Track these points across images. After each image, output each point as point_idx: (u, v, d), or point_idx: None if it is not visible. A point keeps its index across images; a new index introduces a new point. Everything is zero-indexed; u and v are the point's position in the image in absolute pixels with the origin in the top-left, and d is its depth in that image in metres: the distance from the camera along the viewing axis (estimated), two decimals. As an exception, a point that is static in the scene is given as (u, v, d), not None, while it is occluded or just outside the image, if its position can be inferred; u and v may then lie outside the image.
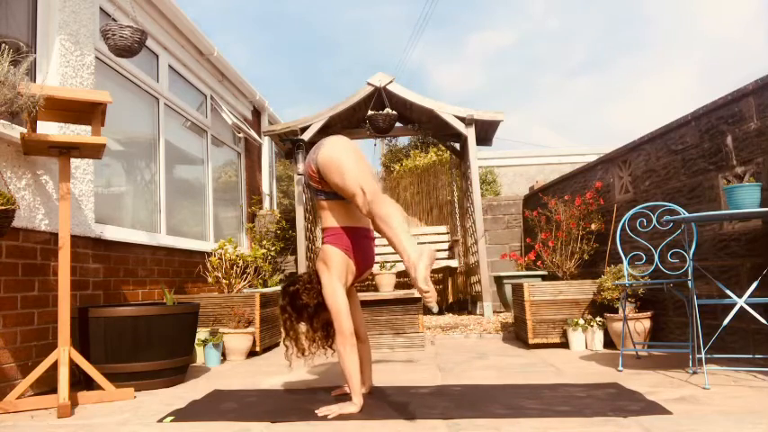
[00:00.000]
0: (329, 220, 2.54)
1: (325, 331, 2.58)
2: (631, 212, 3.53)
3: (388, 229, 2.17)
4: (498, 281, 5.90)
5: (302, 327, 2.61)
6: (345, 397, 2.51)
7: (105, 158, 3.76)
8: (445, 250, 6.95)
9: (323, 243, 2.56)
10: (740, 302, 2.76)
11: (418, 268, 2.01)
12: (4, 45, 2.55)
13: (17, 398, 2.62)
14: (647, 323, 3.81)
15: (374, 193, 2.27)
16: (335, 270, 2.46)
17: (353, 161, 2.40)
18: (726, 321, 2.82)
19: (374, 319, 4.38)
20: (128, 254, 4.09)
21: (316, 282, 2.54)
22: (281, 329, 2.64)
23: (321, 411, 2.34)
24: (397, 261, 6.50)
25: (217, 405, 2.60)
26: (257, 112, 8.01)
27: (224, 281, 4.75)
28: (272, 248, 6.50)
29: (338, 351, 2.41)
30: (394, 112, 5.85)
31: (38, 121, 2.97)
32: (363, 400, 2.42)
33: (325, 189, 2.51)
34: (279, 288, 2.85)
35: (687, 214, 3.14)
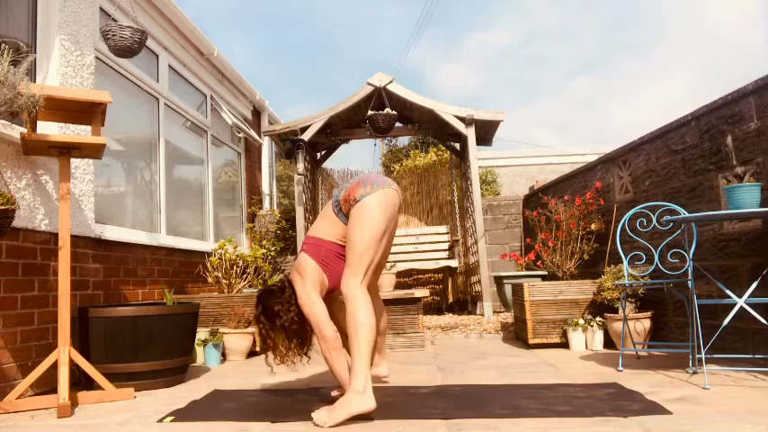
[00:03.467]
0: (322, 230, 2.54)
1: (300, 338, 2.54)
2: (631, 212, 3.53)
3: (351, 340, 2.23)
4: (498, 281, 5.90)
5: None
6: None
7: (105, 158, 3.77)
8: (445, 250, 6.95)
9: (300, 251, 2.55)
10: (740, 302, 2.76)
11: (348, 410, 2.13)
12: (4, 45, 2.55)
13: (17, 398, 2.62)
14: (647, 323, 3.81)
15: (360, 288, 2.29)
16: (310, 279, 2.45)
17: (377, 239, 2.36)
18: (726, 321, 2.82)
19: (374, 319, 4.37)
20: (128, 254, 4.09)
21: (290, 294, 2.49)
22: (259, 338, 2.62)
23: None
24: (397, 261, 6.51)
25: (217, 405, 2.60)
26: (257, 112, 8.01)
27: (224, 281, 4.75)
28: (272, 248, 6.50)
29: (325, 358, 2.40)
30: (394, 112, 5.85)
31: (38, 121, 2.97)
32: None
33: (345, 212, 2.50)
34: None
35: (687, 214, 3.14)
